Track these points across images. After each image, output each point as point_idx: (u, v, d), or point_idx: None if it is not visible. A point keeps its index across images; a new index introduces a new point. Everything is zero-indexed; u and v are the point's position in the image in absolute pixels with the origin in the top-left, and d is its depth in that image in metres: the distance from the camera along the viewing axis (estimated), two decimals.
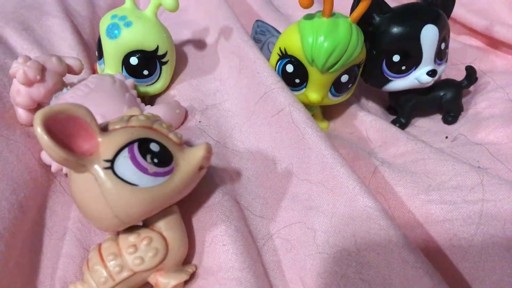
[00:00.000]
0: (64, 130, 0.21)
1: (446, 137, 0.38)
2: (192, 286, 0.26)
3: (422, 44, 0.35)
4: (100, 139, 0.22)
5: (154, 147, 0.23)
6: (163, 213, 0.25)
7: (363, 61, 0.35)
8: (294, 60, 0.34)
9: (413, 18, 0.35)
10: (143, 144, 0.23)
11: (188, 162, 0.24)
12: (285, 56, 0.34)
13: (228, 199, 0.29)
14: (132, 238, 0.24)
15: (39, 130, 0.19)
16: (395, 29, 0.34)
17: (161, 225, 0.25)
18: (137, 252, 0.24)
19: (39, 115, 0.19)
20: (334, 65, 0.32)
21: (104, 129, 0.23)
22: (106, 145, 0.22)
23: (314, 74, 0.33)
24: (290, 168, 0.32)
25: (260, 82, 0.35)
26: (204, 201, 0.29)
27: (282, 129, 0.33)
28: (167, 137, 0.24)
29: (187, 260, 0.27)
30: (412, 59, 0.36)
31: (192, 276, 0.26)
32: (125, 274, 0.23)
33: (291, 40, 0.33)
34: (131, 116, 0.24)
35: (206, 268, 0.26)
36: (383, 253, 0.25)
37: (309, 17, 0.32)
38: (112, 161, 0.22)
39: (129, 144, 0.22)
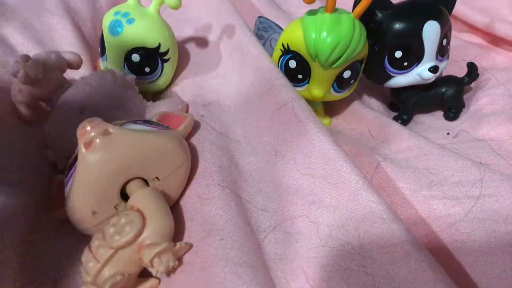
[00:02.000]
0: None
1: (448, 133, 0.38)
2: (189, 278, 0.25)
3: (424, 40, 0.35)
4: None
5: None
6: (136, 192, 0.25)
7: (366, 57, 0.35)
8: (297, 56, 0.34)
9: (415, 14, 0.35)
10: None
11: None
12: (288, 52, 0.34)
13: (228, 193, 0.29)
14: (111, 220, 0.25)
15: None
16: (397, 25, 0.34)
17: (134, 200, 0.25)
18: (116, 229, 0.24)
19: None
20: (336, 60, 0.32)
21: None
22: None
23: (316, 69, 0.33)
24: (292, 162, 0.32)
25: (262, 78, 0.35)
26: (203, 194, 0.29)
27: (284, 124, 0.33)
28: None
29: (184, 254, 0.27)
30: (414, 55, 0.36)
31: (190, 267, 0.26)
32: (106, 252, 0.23)
33: (294, 36, 0.33)
34: None
35: (203, 260, 0.26)
36: (386, 246, 0.25)
37: (312, 12, 0.32)
38: None
39: None
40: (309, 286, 0.25)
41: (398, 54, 0.36)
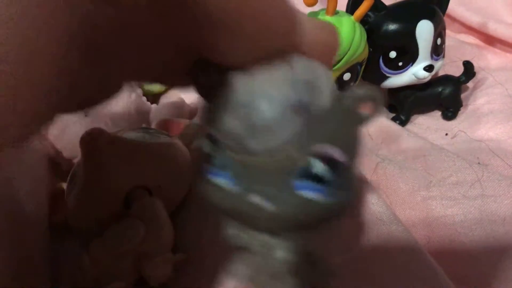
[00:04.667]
0: None
1: (446, 134, 0.38)
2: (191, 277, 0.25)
3: (417, 39, 0.34)
4: None
5: None
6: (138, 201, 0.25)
7: (366, 59, 0.34)
8: None
9: (407, 15, 0.34)
10: None
11: None
12: None
13: None
14: (113, 226, 0.24)
15: None
16: (391, 26, 0.34)
17: (137, 209, 0.25)
18: (117, 235, 0.24)
19: None
20: (337, 63, 0.31)
21: None
22: None
23: None
24: None
25: None
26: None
27: None
28: None
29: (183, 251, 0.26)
30: (409, 55, 0.35)
31: (189, 272, 0.25)
32: (107, 260, 0.23)
33: None
34: None
35: (205, 254, 0.25)
36: (386, 248, 0.25)
37: (313, 15, 0.32)
38: None
39: None
40: None
41: (393, 54, 0.35)
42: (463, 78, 0.39)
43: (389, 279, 0.24)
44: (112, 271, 0.23)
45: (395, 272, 0.24)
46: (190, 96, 0.39)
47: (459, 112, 0.40)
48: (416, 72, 0.35)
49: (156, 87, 0.39)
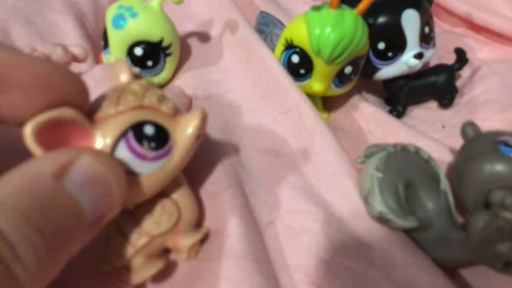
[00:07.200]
0: (58, 136, 0.19)
1: (443, 126, 0.38)
2: (194, 268, 0.25)
3: (404, 28, 0.34)
4: (95, 136, 0.20)
5: (149, 130, 0.21)
6: (172, 183, 0.24)
7: (366, 53, 0.34)
8: (300, 51, 0.33)
9: (392, 6, 0.34)
10: (138, 131, 0.20)
11: (184, 135, 0.22)
12: (291, 47, 0.33)
13: (232, 186, 0.28)
14: (147, 207, 0.24)
15: (30, 143, 0.17)
16: (376, 18, 0.34)
17: (172, 192, 0.24)
18: (153, 218, 0.23)
19: (28, 129, 0.17)
20: (339, 56, 0.31)
21: (92, 117, 0.20)
22: (101, 141, 0.20)
23: (319, 65, 0.32)
24: (294, 164, 0.31)
25: (268, 78, 0.35)
26: (208, 188, 0.28)
27: (289, 129, 0.32)
28: (159, 111, 0.22)
29: None
30: (397, 44, 0.35)
31: (195, 258, 0.25)
32: (143, 240, 0.23)
33: (298, 31, 0.32)
34: (119, 98, 0.21)
35: (209, 252, 0.25)
36: (387, 247, 0.25)
37: (316, 8, 0.31)
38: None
39: (124, 135, 0.20)
40: (310, 281, 0.24)
41: (381, 45, 0.35)
42: (457, 66, 0.39)
43: (390, 281, 0.24)
44: (146, 249, 0.23)
45: (395, 274, 0.24)
46: (189, 87, 0.38)
47: (456, 102, 0.40)
48: (406, 61, 0.35)
49: (156, 79, 0.38)
